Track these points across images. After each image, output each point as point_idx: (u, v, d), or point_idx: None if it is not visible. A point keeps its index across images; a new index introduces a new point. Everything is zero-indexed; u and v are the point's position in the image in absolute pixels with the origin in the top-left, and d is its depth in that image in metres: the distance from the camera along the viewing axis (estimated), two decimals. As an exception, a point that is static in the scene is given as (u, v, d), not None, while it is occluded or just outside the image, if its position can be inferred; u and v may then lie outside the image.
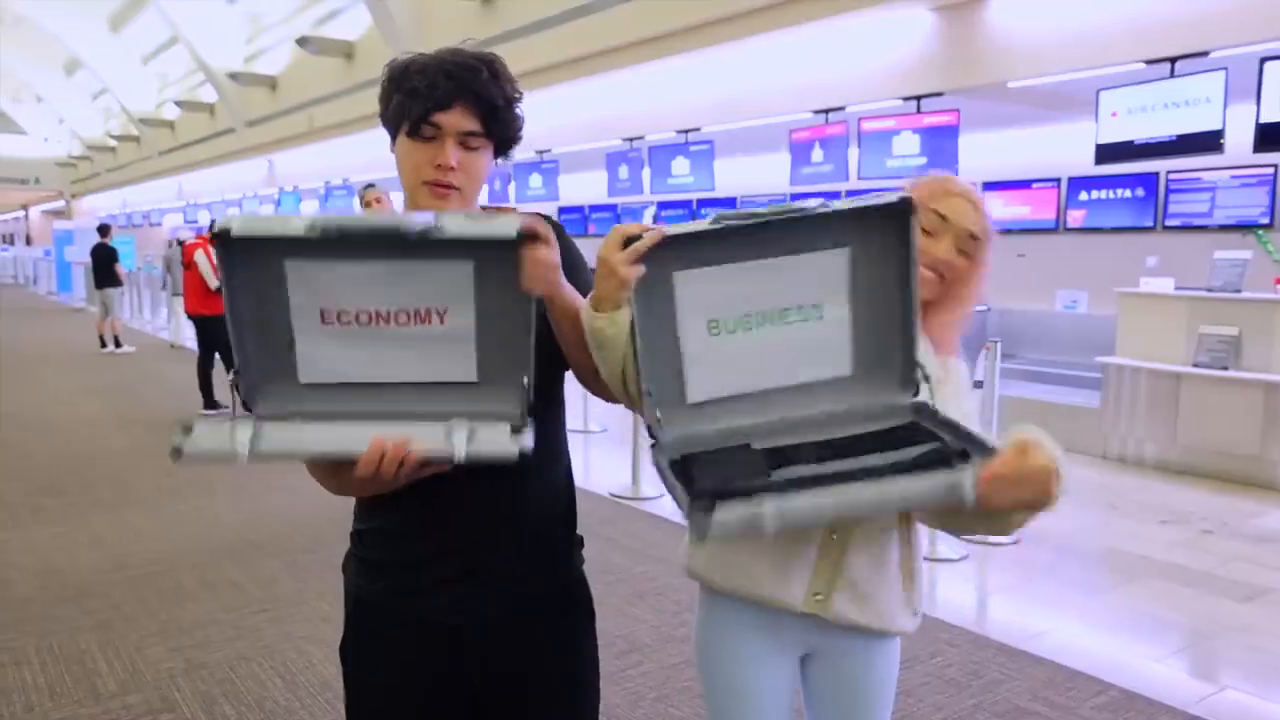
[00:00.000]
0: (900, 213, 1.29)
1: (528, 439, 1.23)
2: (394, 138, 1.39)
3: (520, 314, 1.28)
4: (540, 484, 1.46)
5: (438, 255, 1.26)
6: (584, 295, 1.38)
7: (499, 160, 1.44)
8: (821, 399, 1.38)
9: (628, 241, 1.27)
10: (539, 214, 1.30)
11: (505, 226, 1.22)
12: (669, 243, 1.27)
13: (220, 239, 1.22)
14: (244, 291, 1.28)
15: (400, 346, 1.31)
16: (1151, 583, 4.21)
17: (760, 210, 1.27)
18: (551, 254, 1.25)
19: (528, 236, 1.22)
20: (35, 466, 6.33)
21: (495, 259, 1.26)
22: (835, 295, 1.35)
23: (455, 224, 1.22)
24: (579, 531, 1.57)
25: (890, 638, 1.58)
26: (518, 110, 1.41)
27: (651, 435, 1.35)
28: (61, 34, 23.89)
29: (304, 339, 1.31)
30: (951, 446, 1.22)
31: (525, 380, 1.30)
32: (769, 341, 1.35)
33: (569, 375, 1.49)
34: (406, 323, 1.30)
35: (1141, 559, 4.51)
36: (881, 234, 1.31)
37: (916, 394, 1.36)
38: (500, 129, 1.38)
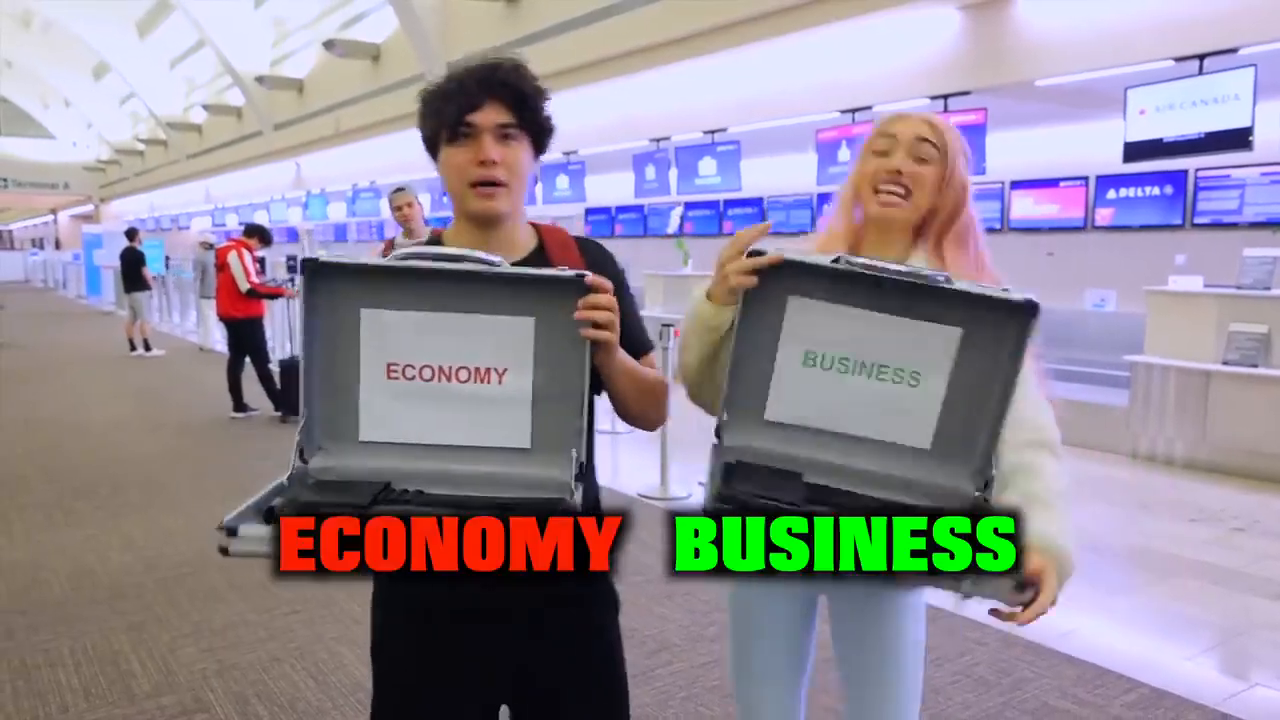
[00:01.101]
0: (1022, 311, 1.30)
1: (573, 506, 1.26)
2: (437, 155, 1.45)
3: (576, 379, 1.34)
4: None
5: (501, 308, 1.33)
6: (634, 345, 1.45)
7: (538, 157, 1.49)
8: (890, 461, 1.41)
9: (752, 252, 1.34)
10: (580, 274, 1.34)
11: (564, 271, 1.30)
12: (787, 267, 1.33)
13: (309, 269, 1.30)
14: (322, 340, 1.35)
15: (458, 407, 1.36)
16: (1182, 581, 4.21)
17: (883, 266, 1.31)
18: (612, 304, 1.31)
19: (588, 285, 1.28)
20: (67, 469, 6.45)
21: (556, 317, 1.32)
22: (937, 369, 1.37)
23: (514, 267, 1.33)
24: None
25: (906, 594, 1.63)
26: (547, 103, 1.46)
27: (717, 434, 1.42)
28: (89, 39, 24.24)
29: (369, 393, 1.37)
30: (977, 564, 1.18)
31: (575, 453, 1.36)
32: (858, 390, 1.39)
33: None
34: (467, 380, 1.36)
35: (1172, 557, 4.50)
36: (997, 326, 1.33)
37: (985, 489, 1.38)
38: (533, 117, 1.43)
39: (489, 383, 1.36)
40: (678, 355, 1.62)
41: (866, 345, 1.37)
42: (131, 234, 13.96)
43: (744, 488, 1.30)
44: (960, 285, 1.30)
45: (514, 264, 1.41)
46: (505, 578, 1.16)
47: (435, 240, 1.52)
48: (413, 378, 1.36)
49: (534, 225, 1.56)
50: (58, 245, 39.91)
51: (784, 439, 1.42)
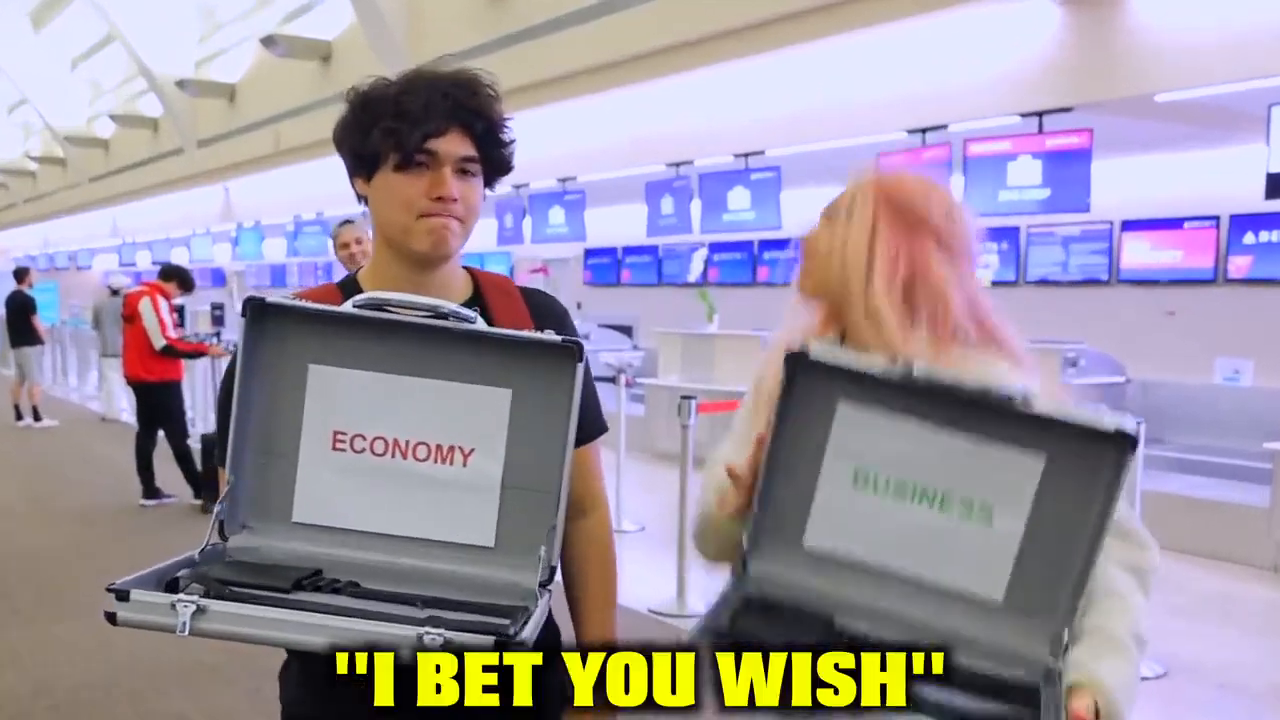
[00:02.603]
0: (1117, 441, 1.31)
1: (524, 640, 1.27)
2: (369, 174, 1.54)
3: (555, 468, 1.40)
4: None
5: (474, 376, 1.41)
6: (584, 427, 1.52)
7: (487, 191, 1.60)
8: (950, 612, 1.41)
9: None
10: (573, 340, 1.42)
11: (552, 336, 1.41)
12: (837, 372, 1.38)
13: (252, 311, 1.39)
14: (259, 397, 1.41)
15: (412, 490, 1.43)
16: (1338, 731, 4.24)
17: (950, 379, 1.35)
18: None
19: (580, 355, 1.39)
20: (-62, 568, 6.53)
21: (538, 390, 1.41)
22: (1015, 505, 1.38)
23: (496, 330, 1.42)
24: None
25: None
26: (510, 133, 1.58)
27: (741, 559, 1.47)
28: (-32, 31, 24.51)
29: (309, 465, 1.43)
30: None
31: (543, 552, 1.42)
32: (917, 521, 1.40)
33: None
34: (426, 459, 1.42)
35: (1325, 701, 4.53)
36: (1088, 457, 1.34)
37: (1060, 656, 1.38)
38: (495, 152, 1.56)
39: (452, 464, 1.42)
40: (699, 505, 1.68)
41: (931, 469, 1.39)
42: (20, 274, 14.10)
43: (754, 625, 1.35)
44: (1042, 408, 1.32)
45: None
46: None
47: (352, 284, 1.60)
48: (362, 450, 1.42)
49: (469, 270, 1.68)
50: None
51: (823, 572, 1.44)
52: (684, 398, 5.81)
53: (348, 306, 1.40)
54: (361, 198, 1.58)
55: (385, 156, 1.50)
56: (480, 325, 1.41)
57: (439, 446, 1.42)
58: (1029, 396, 1.33)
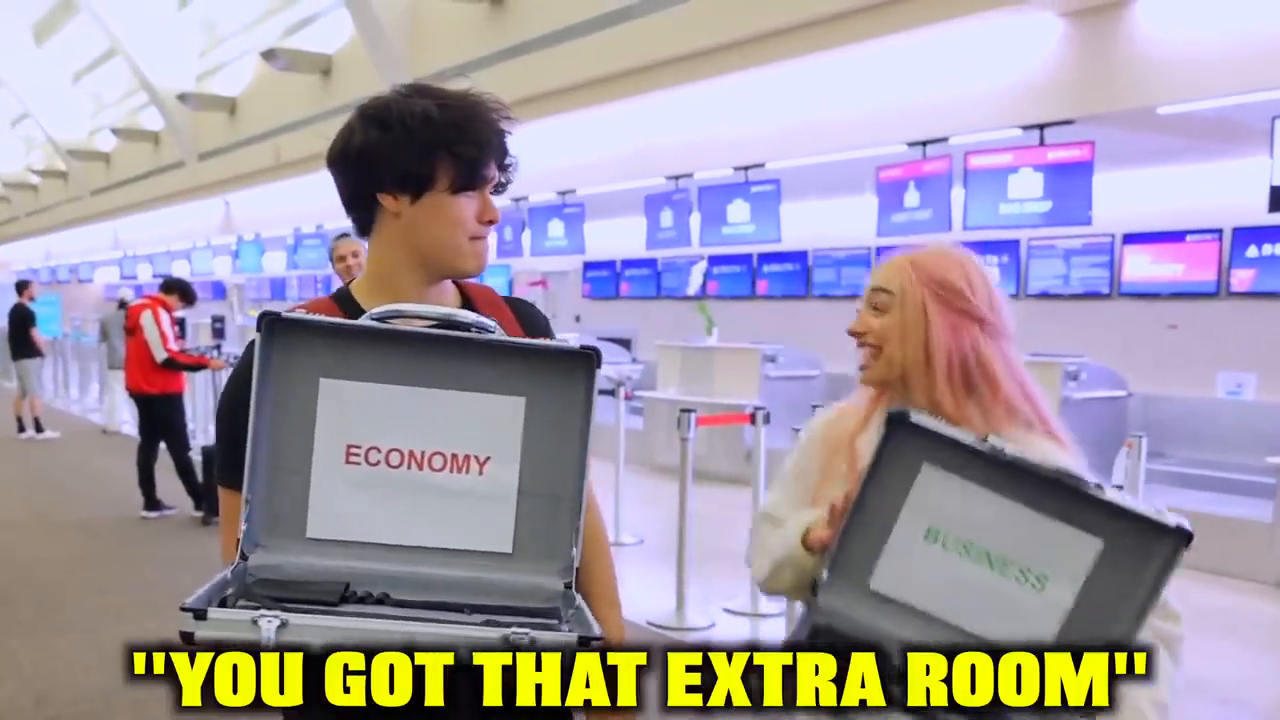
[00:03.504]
0: (1172, 536, 1.43)
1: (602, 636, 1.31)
2: (415, 194, 1.56)
3: (571, 473, 1.44)
4: None
5: (488, 385, 1.43)
6: None
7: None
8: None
9: None
10: (591, 347, 1.44)
11: (569, 345, 1.46)
12: (927, 433, 1.49)
13: (266, 325, 1.38)
14: (271, 413, 1.41)
15: (429, 501, 1.44)
16: (1342, 747, 4.21)
17: (1033, 461, 1.47)
18: None
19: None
20: (-61, 580, 6.53)
21: (553, 398, 1.43)
22: (1068, 577, 1.50)
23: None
24: None
25: None
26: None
27: (812, 590, 1.60)
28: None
29: (322, 480, 1.43)
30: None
31: (570, 559, 1.45)
32: (976, 580, 1.52)
33: None
34: (442, 469, 1.43)
35: (1330, 716, 4.51)
36: (1142, 547, 1.46)
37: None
38: (506, 176, 1.63)
39: (468, 473, 1.43)
40: (751, 552, 1.88)
41: (996, 534, 1.50)
42: (21, 287, 14.13)
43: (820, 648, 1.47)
44: (1107, 495, 1.44)
45: None
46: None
47: (347, 297, 1.63)
48: (377, 463, 1.42)
49: (455, 282, 1.71)
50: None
51: (884, 613, 1.56)
52: (683, 411, 5.78)
53: (363, 320, 1.41)
54: (366, 217, 1.61)
55: (441, 178, 1.54)
56: (501, 335, 1.43)
57: (455, 456, 1.43)
58: (1101, 485, 1.44)
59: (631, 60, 9.37)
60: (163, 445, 8.36)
